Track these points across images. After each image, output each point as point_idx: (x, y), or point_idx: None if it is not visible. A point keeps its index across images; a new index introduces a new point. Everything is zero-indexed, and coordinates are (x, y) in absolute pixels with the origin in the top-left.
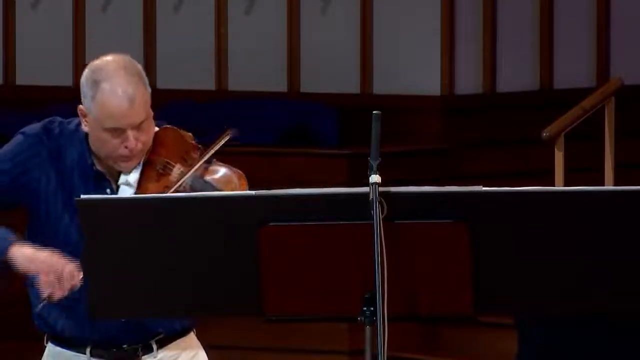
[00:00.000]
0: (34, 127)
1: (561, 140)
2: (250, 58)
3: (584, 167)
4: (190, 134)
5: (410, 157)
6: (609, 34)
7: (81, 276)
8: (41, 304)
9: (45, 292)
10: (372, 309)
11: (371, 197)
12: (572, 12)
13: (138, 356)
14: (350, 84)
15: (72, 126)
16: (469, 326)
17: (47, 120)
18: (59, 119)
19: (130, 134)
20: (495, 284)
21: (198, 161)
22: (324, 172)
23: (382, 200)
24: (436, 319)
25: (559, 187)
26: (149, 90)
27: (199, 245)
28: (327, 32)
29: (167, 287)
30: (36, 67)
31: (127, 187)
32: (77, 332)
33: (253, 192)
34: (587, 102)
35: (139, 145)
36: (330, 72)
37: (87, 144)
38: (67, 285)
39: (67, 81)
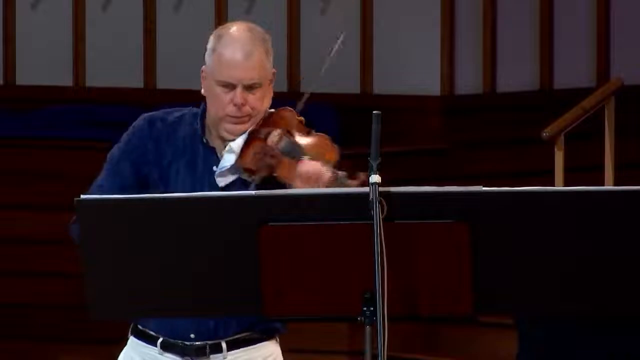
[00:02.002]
0: (149, 114)
1: (561, 140)
2: None
3: (584, 167)
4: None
5: (410, 157)
6: (609, 34)
7: None
8: None
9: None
10: (372, 309)
11: (371, 197)
12: (572, 13)
13: (205, 354)
14: (350, 84)
15: (176, 113)
16: (469, 326)
17: (147, 115)
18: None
19: (239, 91)
20: (495, 284)
21: (293, 128)
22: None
23: (382, 200)
24: (436, 319)
25: (559, 187)
26: (271, 59)
27: (198, 245)
28: (327, 32)
29: (167, 287)
30: (36, 67)
31: (229, 154)
32: (151, 325)
33: (253, 192)
34: (587, 102)
35: (247, 108)
36: (330, 72)
37: (198, 121)
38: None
39: (67, 81)
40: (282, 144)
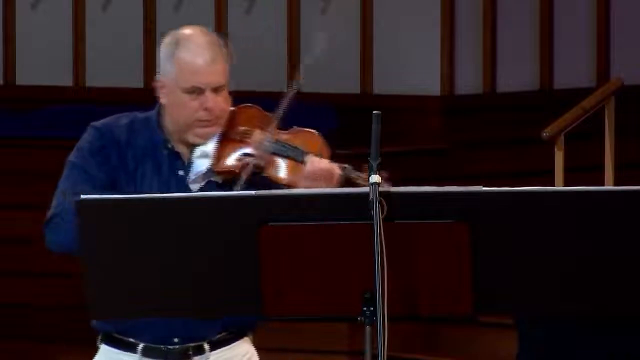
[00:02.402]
0: (99, 123)
1: (561, 140)
2: (250, 58)
3: (584, 167)
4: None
5: (410, 157)
6: (609, 34)
7: None
8: None
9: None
10: (372, 309)
11: (371, 197)
12: (572, 13)
13: (189, 356)
14: (350, 84)
15: (141, 115)
16: (469, 326)
17: (96, 124)
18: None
19: (209, 95)
20: (495, 284)
21: (275, 124)
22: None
23: (382, 200)
24: (436, 319)
25: (559, 187)
26: (229, 60)
27: (198, 245)
28: (328, 32)
29: (167, 287)
30: (36, 67)
31: (203, 159)
32: (130, 331)
33: (253, 192)
34: (587, 102)
35: (217, 110)
36: (330, 72)
37: (156, 127)
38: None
39: (67, 81)
40: (267, 143)
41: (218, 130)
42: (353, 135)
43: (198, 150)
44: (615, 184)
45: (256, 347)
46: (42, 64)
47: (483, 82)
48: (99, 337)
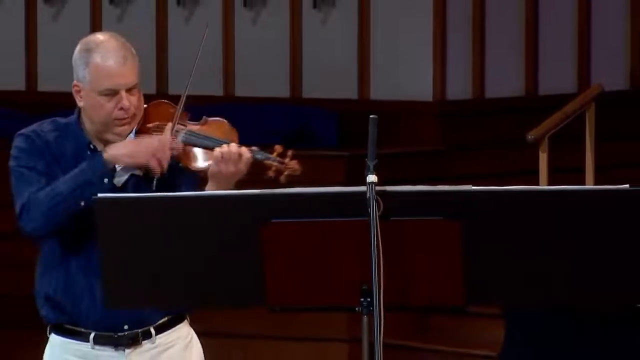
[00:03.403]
0: (26, 130)
1: (545, 143)
2: (255, 66)
3: (566, 167)
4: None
5: (405, 158)
6: (589, 44)
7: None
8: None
9: (157, 170)
10: (369, 299)
11: (368, 195)
12: (555, 25)
13: (139, 341)
14: (348, 90)
15: (62, 121)
16: (460, 315)
17: (23, 132)
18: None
19: (124, 95)
20: (484, 277)
21: (184, 116)
22: (324, 172)
23: (379, 198)
24: (429, 309)
25: (543, 187)
26: (137, 61)
27: (207, 240)
28: (327, 42)
29: (177, 280)
30: (55, 74)
31: None
32: (82, 321)
33: (257, 191)
34: (569, 107)
35: (132, 108)
36: (330, 79)
37: (81, 128)
38: (168, 154)
39: None
40: (181, 135)
41: (133, 126)
42: (352, 137)
43: None
44: (595, 184)
45: (261, 336)
46: (60, 71)
47: (472, 88)
48: (48, 328)
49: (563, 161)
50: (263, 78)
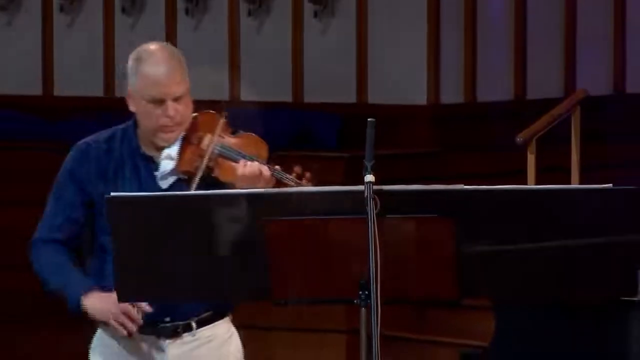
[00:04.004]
0: (82, 142)
1: (533, 145)
2: (260, 72)
3: (553, 168)
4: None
5: (401, 159)
6: (575, 51)
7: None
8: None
9: (122, 332)
10: (366, 293)
11: (366, 194)
12: (542, 33)
13: (179, 333)
14: (348, 95)
15: (121, 127)
16: (453, 308)
17: (79, 143)
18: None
19: (170, 104)
20: (477, 272)
21: (226, 128)
22: (325, 172)
23: (376, 197)
24: (424, 302)
25: (532, 186)
26: (187, 70)
27: (213, 238)
28: (327, 50)
29: (185, 276)
30: (70, 80)
31: (168, 160)
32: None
33: (262, 190)
34: (556, 111)
35: (178, 117)
36: (330, 85)
37: (133, 136)
38: (136, 316)
39: (98, 92)
40: (216, 147)
41: (180, 133)
42: (351, 139)
43: (164, 153)
44: (581, 183)
45: (264, 327)
46: (75, 76)
47: (465, 93)
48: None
49: (550, 162)
50: (267, 83)
